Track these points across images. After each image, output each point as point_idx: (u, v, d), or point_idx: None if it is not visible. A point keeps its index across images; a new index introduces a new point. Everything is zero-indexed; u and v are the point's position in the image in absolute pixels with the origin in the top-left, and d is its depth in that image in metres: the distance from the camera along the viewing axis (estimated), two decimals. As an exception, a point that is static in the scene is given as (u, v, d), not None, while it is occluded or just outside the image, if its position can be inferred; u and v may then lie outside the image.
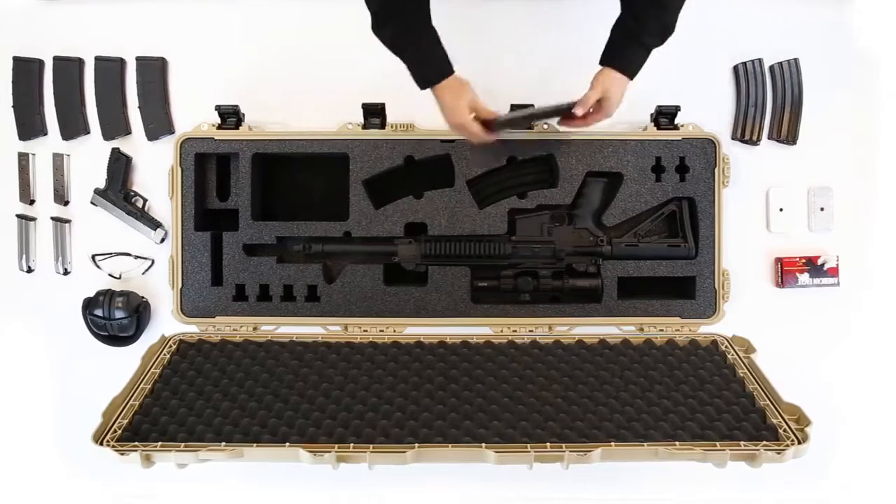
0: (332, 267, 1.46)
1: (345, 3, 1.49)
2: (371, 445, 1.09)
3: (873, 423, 1.47)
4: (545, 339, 1.39)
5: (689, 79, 1.50)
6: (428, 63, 1.20)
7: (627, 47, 1.24)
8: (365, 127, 1.44)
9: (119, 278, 1.50)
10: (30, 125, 1.50)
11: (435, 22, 1.19)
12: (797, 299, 1.49)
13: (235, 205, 1.46)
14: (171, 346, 1.36)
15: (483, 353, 1.34)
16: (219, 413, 1.19)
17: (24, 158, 1.50)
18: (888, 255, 1.50)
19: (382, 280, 1.43)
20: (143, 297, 1.47)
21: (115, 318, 1.42)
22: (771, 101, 1.50)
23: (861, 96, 1.51)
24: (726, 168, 1.43)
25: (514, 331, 1.42)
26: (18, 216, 1.50)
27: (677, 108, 1.44)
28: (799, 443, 1.09)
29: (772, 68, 1.50)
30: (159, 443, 1.11)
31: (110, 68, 1.50)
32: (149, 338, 1.44)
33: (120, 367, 1.28)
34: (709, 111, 1.49)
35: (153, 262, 1.50)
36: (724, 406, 1.19)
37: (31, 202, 1.51)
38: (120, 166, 1.48)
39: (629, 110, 1.46)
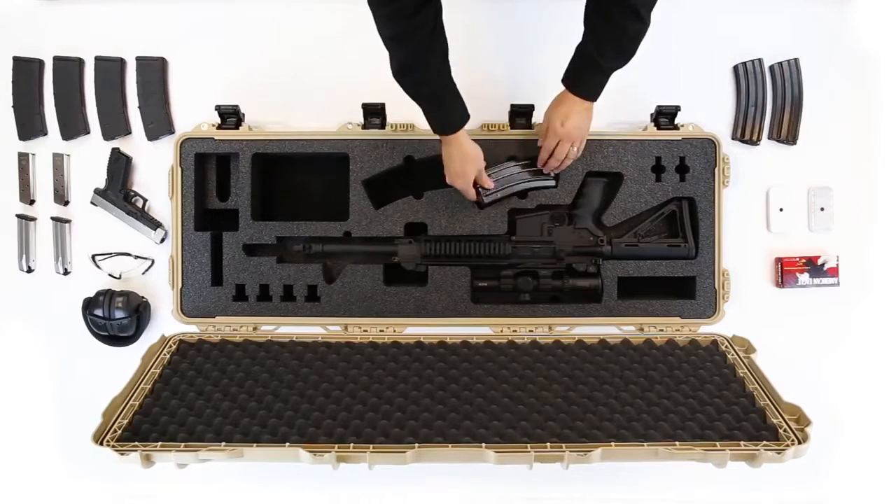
0: (332, 267, 1.46)
1: (345, 3, 1.50)
2: (371, 445, 1.09)
3: (873, 423, 1.47)
4: (545, 339, 1.39)
5: (689, 79, 1.50)
6: (448, 112, 1.23)
7: (586, 71, 1.25)
8: (365, 127, 1.44)
9: (119, 278, 1.50)
10: (30, 125, 1.50)
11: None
12: (797, 299, 1.49)
13: (235, 205, 1.46)
14: (171, 346, 1.36)
15: (483, 353, 1.34)
16: (219, 413, 1.19)
17: (24, 158, 1.50)
18: (888, 255, 1.50)
19: (382, 280, 1.43)
20: (143, 297, 1.47)
21: (115, 318, 1.42)
22: (771, 101, 1.50)
23: (861, 96, 1.51)
24: (726, 168, 1.43)
25: (514, 331, 1.42)
26: (18, 216, 1.50)
27: (677, 108, 1.44)
28: (799, 443, 1.09)
29: (772, 68, 1.50)
30: (159, 443, 1.11)
31: (110, 68, 1.50)
32: (149, 338, 1.45)
33: (120, 367, 1.28)
34: (709, 111, 1.49)
35: (153, 262, 1.50)
36: (724, 406, 1.19)
37: (31, 202, 1.51)
38: (120, 166, 1.48)
39: (629, 110, 1.48)
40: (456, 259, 1.43)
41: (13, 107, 1.50)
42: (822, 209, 1.50)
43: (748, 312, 1.45)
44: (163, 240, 1.49)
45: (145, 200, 1.50)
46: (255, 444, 1.10)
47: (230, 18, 1.52)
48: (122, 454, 1.09)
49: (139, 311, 1.45)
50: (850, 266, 1.49)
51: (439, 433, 1.13)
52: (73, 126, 1.50)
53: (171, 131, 1.50)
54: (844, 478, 1.46)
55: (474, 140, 1.32)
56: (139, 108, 1.50)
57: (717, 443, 1.10)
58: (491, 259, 1.43)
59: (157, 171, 1.48)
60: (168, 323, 1.46)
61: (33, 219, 1.51)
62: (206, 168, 1.48)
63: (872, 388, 1.47)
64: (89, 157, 1.50)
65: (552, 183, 1.43)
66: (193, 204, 1.43)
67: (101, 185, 1.49)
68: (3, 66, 1.49)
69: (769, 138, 1.50)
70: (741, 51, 1.50)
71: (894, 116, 1.51)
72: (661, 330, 1.42)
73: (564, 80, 1.28)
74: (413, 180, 1.44)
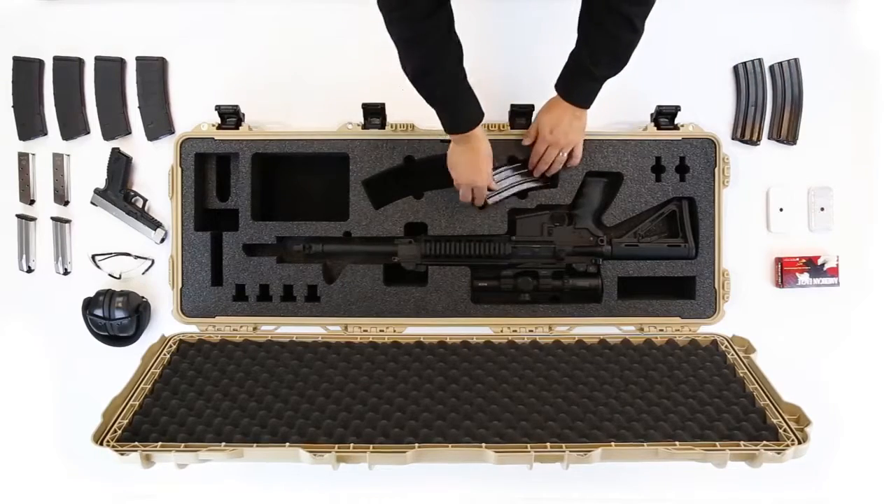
0: (332, 267, 1.46)
1: (345, 3, 1.50)
2: (371, 445, 1.09)
3: (873, 423, 1.47)
4: (545, 339, 1.39)
5: (689, 79, 1.50)
6: (464, 110, 1.23)
7: (579, 79, 1.25)
8: (365, 127, 1.44)
9: (119, 278, 1.50)
10: (30, 125, 1.50)
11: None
12: (797, 299, 1.49)
13: (235, 205, 1.46)
14: (171, 346, 1.36)
15: (483, 353, 1.34)
16: (219, 413, 1.19)
17: (24, 158, 1.50)
18: (888, 255, 1.50)
19: (382, 280, 1.43)
20: (143, 297, 1.47)
21: (115, 318, 1.42)
22: (771, 101, 1.50)
23: (861, 96, 1.51)
24: (726, 168, 1.43)
25: (514, 331, 1.42)
26: (18, 216, 1.50)
27: (677, 108, 1.44)
28: (799, 443, 1.09)
29: (772, 68, 1.50)
30: (159, 443, 1.11)
31: (110, 68, 1.50)
32: (149, 338, 1.45)
33: (120, 367, 1.28)
34: (709, 111, 1.48)
35: (153, 262, 1.50)
36: (724, 406, 1.19)
37: (31, 202, 1.51)
38: (120, 166, 1.48)
39: (629, 110, 1.48)
40: (456, 259, 1.43)
41: (13, 107, 1.50)
42: (822, 209, 1.50)
43: (748, 312, 1.45)
44: (163, 240, 1.49)
45: (145, 200, 1.50)
46: (255, 444, 1.10)
47: (230, 18, 1.52)
48: (122, 454, 1.09)
49: (139, 311, 1.45)
50: (850, 266, 1.49)
51: (439, 433, 1.13)
52: (73, 126, 1.50)
53: (171, 131, 1.50)
54: (844, 478, 1.46)
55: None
56: (139, 108, 1.50)
57: (717, 443, 1.10)
58: (491, 259, 1.43)
59: (157, 171, 1.47)
60: (168, 323, 1.46)
61: (33, 219, 1.51)
62: (206, 168, 1.48)
63: (872, 388, 1.47)
64: (89, 157, 1.50)
65: (548, 184, 1.43)
66: (193, 204, 1.43)
67: (101, 185, 1.49)
68: (3, 66, 1.49)
69: (769, 138, 1.50)
70: (741, 51, 1.50)
71: (894, 116, 1.50)
72: (661, 330, 1.42)
73: (557, 87, 1.29)
74: (413, 180, 1.44)
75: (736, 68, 1.51)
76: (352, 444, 1.10)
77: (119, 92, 1.50)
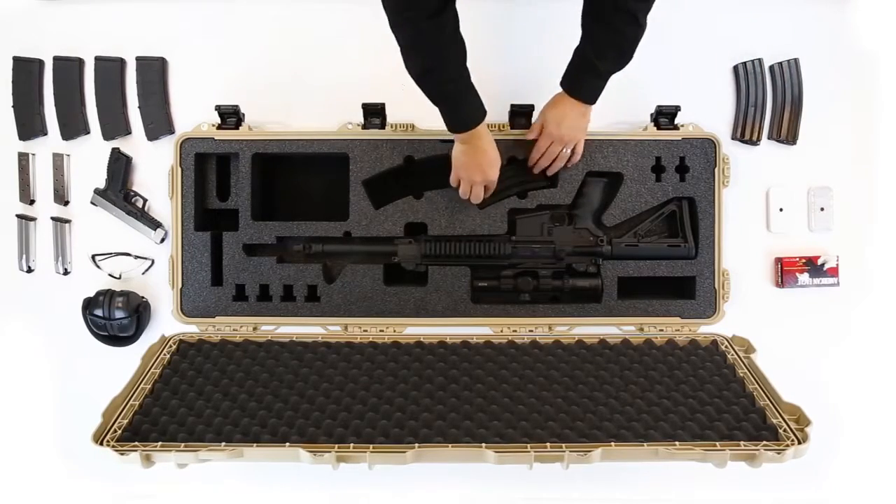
0: (332, 267, 1.46)
1: (345, 3, 1.50)
2: (371, 445, 1.09)
3: (873, 423, 1.47)
4: (545, 339, 1.39)
5: (689, 79, 1.50)
6: (469, 108, 1.23)
7: (584, 75, 1.26)
8: (365, 127, 1.44)
9: (119, 278, 1.50)
10: (30, 125, 1.50)
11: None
12: (797, 299, 1.49)
13: (235, 205, 1.46)
14: (171, 346, 1.36)
15: (483, 353, 1.34)
16: (219, 413, 1.19)
17: (24, 158, 1.50)
18: (888, 255, 1.50)
19: (382, 280, 1.43)
20: (143, 297, 1.47)
21: (115, 318, 1.42)
22: (771, 101, 1.50)
23: (861, 96, 1.51)
24: (726, 168, 1.43)
25: (514, 331, 1.42)
26: (18, 216, 1.50)
27: (677, 108, 1.44)
28: (799, 443, 1.09)
29: (772, 68, 1.50)
30: (159, 443, 1.11)
31: (110, 68, 1.50)
32: (149, 338, 1.45)
33: (120, 367, 1.28)
34: (709, 111, 1.48)
35: (153, 262, 1.50)
36: (724, 406, 1.19)
37: (31, 202, 1.51)
38: (120, 166, 1.48)
39: (629, 110, 1.48)
40: (456, 259, 1.43)
41: (13, 107, 1.50)
42: (822, 209, 1.50)
43: (748, 312, 1.45)
44: (163, 240, 1.49)
45: (145, 200, 1.50)
46: (255, 444, 1.10)
47: (230, 18, 1.52)
48: (122, 454, 1.09)
49: (139, 311, 1.45)
50: (850, 266, 1.49)
51: (439, 433, 1.13)
52: (73, 126, 1.50)
53: (171, 131, 1.50)
54: (844, 478, 1.46)
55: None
56: (139, 108, 1.50)
57: (717, 443, 1.10)
58: (491, 259, 1.43)
59: (157, 171, 1.47)
60: (168, 323, 1.46)
61: (33, 219, 1.51)
62: (206, 168, 1.48)
63: (872, 388, 1.47)
64: (89, 157, 1.50)
65: (546, 184, 1.43)
66: (193, 204, 1.43)
67: (101, 185, 1.49)
68: (3, 66, 1.49)
69: (769, 138, 1.50)
70: (741, 51, 1.50)
71: (894, 116, 1.50)
72: (661, 330, 1.42)
73: (563, 84, 1.29)
74: (413, 180, 1.44)
75: (736, 68, 1.51)
76: (352, 444, 1.10)
77: (119, 92, 1.50)
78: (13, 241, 1.50)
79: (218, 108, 1.43)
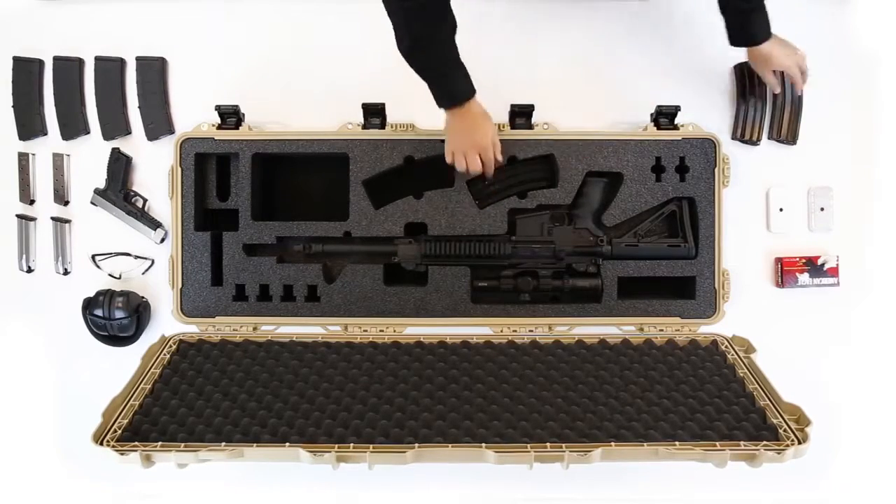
0: (332, 267, 1.46)
1: (345, 2, 1.50)
2: (371, 445, 1.09)
3: (873, 423, 1.47)
4: (545, 339, 1.39)
5: (689, 79, 1.50)
6: (458, 82, 1.24)
7: (751, 22, 1.32)
8: (365, 127, 1.44)
9: (119, 278, 1.50)
10: (30, 125, 1.50)
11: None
12: (797, 299, 1.49)
13: (235, 205, 1.46)
14: (171, 346, 1.36)
15: (483, 353, 1.34)
16: (219, 413, 1.19)
17: (24, 158, 1.50)
18: (888, 255, 1.50)
19: (382, 280, 1.43)
20: (143, 297, 1.47)
21: (115, 318, 1.42)
22: (771, 101, 1.50)
23: (861, 96, 1.51)
24: (726, 168, 1.43)
25: (514, 331, 1.42)
26: (18, 216, 1.50)
27: (677, 108, 1.44)
28: (799, 443, 1.09)
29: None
30: (159, 443, 1.11)
31: (110, 68, 1.50)
32: (149, 338, 1.45)
33: (120, 367, 1.28)
34: (709, 111, 1.49)
35: (153, 262, 1.50)
36: (724, 406, 1.19)
37: (31, 202, 1.51)
38: (120, 166, 1.48)
39: (629, 110, 1.48)
40: (456, 259, 1.43)
41: (13, 107, 1.50)
42: (822, 209, 1.50)
43: (748, 312, 1.45)
44: (163, 240, 1.49)
45: (145, 200, 1.50)
46: (255, 444, 1.10)
47: (230, 18, 1.52)
48: (122, 454, 1.09)
49: (139, 311, 1.45)
50: (850, 266, 1.49)
51: (439, 433, 1.13)
52: (73, 126, 1.50)
53: (171, 131, 1.50)
54: (844, 478, 1.46)
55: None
56: (139, 108, 1.50)
57: (717, 443, 1.10)
58: (491, 259, 1.43)
59: (157, 171, 1.48)
60: (168, 323, 1.46)
61: (33, 219, 1.51)
62: (206, 168, 1.48)
63: (872, 388, 1.47)
64: (89, 157, 1.50)
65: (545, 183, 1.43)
66: (193, 204, 1.43)
67: (101, 185, 1.49)
68: (3, 66, 1.49)
69: (769, 138, 1.50)
70: (741, 51, 1.50)
71: (894, 116, 1.50)
72: (661, 330, 1.42)
73: (738, 43, 1.35)
74: (413, 180, 1.44)
75: (736, 68, 1.51)
76: (352, 444, 1.10)
77: (119, 92, 1.50)
78: (13, 241, 1.50)
79: (218, 108, 1.43)
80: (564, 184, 1.43)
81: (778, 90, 1.44)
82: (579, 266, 1.44)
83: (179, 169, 1.43)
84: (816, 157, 1.50)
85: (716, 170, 1.43)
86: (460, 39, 1.20)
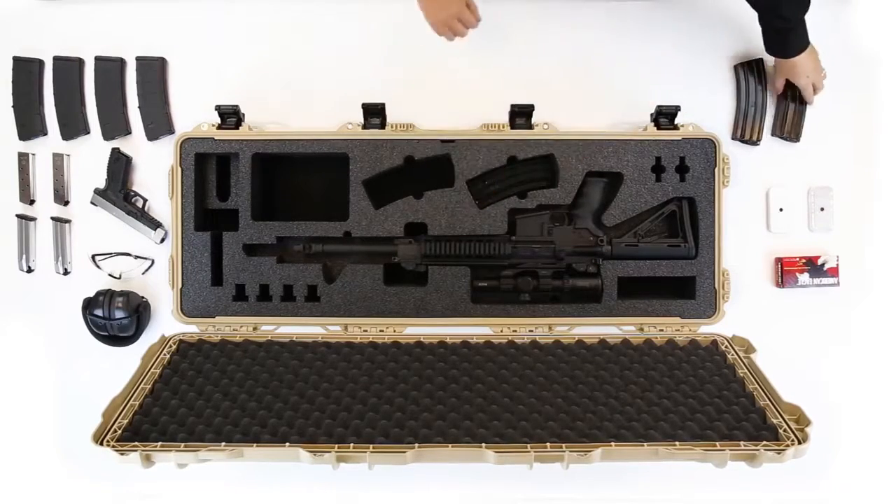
0: (332, 267, 1.46)
1: (345, 2, 1.50)
2: (371, 445, 1.09)
3: (873, 423, 1.47)
4: (545, 339, 1.39)
5: (689, 79, 1.50)
6: None
7: (787, 38, 1.36)
8: (365, 127, 1.44)
9: (119, 278, 1.50)
10: (30, 125, 1.50)
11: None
12: (797, 299, 1.49)
13: (235, 205, 1.46)
14: (171, 346, 1.36)
15: (483, 353, 1.34)
16: (219, 413, 1.18)
17: (24, 158, 1.50)
18: (888, 255, 1.50)
19: (382, 280, 1.43)
20: (143, 297, 1.47)
21: (115, 318, 1.41)
22: (774, 97, 1.49)
23: (861, 96, 1.51)
24: (726, 168, 1.43)
25: (514, 331, 1.42)
26: (18, 216, 1.50)
27: (677, 108, 1.44)
28: (799, 443, 1.09)
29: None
30: (159, 443, 1.11)
31: (110, 68, 1.50)
32: (149, 338, 1.45)
33: (120, 367, 1.28)
34: (709, 111, 1.49)
35: (153, 262, 1.50)
36: (724, 406, 1.19)
37: (31, 202, 1.51)
38: (120, 166, 1.48)
39: (629, 110, 1.48)
40: (456, 259, 1.43)
41: (13, 107, 1.50)
42: (822, 209, 1.50)
43: (748, 312, 1.45)
44: (163, 240, 1.49)
45: (145, 200, 1.50)
46: (255, 444, 1.10)
47: (230, 18, 1.52)
48: (122, 454, 1.09)
49: (139, 311, 1.45)
50: (850, 266, 1.49)
51: (439, 433, 1.13)
52: (73, 126, 1.50)
53: (171, 131, 1.50)
54: (844, 478, 1.46)
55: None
56: (139, 108, 1.50)
57: (717, 443, 1.10)
58: (491, 259, 1.43)
59: (157, 171, 1.47)
60: (168, 323, 1.46)
61: (33, 219, 1.51)
62: (206, 168, 1.48)
63: (872, 388, 1.47)
64: (89, 157, 1.50)
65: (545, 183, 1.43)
66: (193, 204, 1.43)
67: (101, 185, 1.49)
68: (3, 66, 1.49)
69: (772, 135, 1.50)
70: (741, 51, 1.50)
71: (894, 116, 1.50)
72: (661, 330, 1.42)
73: (772, 53, 1.41)
74: (413, 180, 1.44)
75: (736, 68, 1.51)
76: (352, 444, 1.10)
77: (119, 92, 1.50)
78: (13, 241, 1.50)
79: (218, 108, 1.43)
80: (564, 184, 1.43)
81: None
82: (579, 266, 1.44)
83: (179, 169, 1.43)
84: (817, 156, 1.50)
85: (716, 170, 1.43)
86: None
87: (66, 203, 1.51)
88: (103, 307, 1.41)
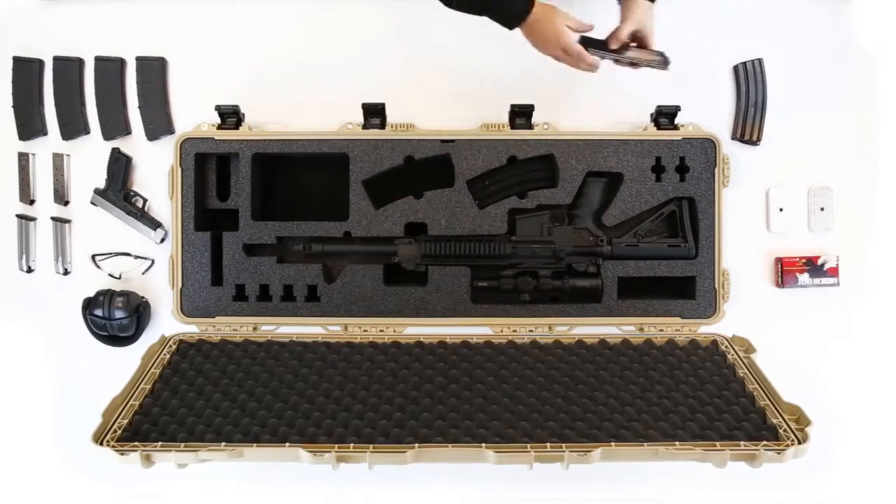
0: (332, 267, 1.46)
1: (345, 2, 1.50)
2: (371, 445, 1.09)
3: (873, 423, 1.47)
4: (545, 339, 1.39)
5: (689, 79, 1.49)
6: (511, 4, 1.23)
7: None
8: (365, 127, 1.44)
9: (119, 278, 1.50)
10: (30, 125, 1.50)
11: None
12: (797, 299, 1.49)
13: (235, 205, 1.46)
14: (171, 346, 1.36)
15: (483, 353, 1.34)
16: (219, 413, 1.19)
17: (24, 158, 1.50)
18: (888, 255, 1.50)
19: (382, 280, 1.43)
20: (143, 297, 1.47)
21: (115, 318, 1.42)
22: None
23: (861, 96, 1.51)
24: (726, 168, 1.43)
25: (514, 331, 1.42)
26: (18, 216, 1.50)
27: (677, 108, 1.44)
28: (799, 443, 1.09)
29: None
30: (159, 443, 1.11)
31: (110, 68, 1.50)
32: (149, 338, 1.45)
33: (120, 367, 1.28)
34: (709, 111, 1.48)
35: (153, 262, 1.50)
36: (724, 406, 1.19)
37: (31, 202, 1.51)
38: (120, 166, 1.49)
39: (629, 110, 1.48)
40: (456, 259, 1.43)
41: (13, 107, 1.50)
42: (822, 209, 1.50)
43: (748, 312, 1.45)
44: (163, 240, 1.49)
45: (145, 200, 1.50)
46: (255, 444, 1.10)
47: (230, 18, 1.52)
48: (122, 454, 1.09)
49: (139, 311, 1.45)
50: (850, 266, 1.49)
51: (439, 433, 1.13)
52: (73, 126, 1.50)
53: (171, 131, 1.50)
54: (844, 478, 1.46)
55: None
56: (139, 108, 1.50)
57: (717, 443, 1.10)
58: (491, 259, 1.43)
59: (157, 171, 1.47)
60: (168, 323, 1.46)
61: (33, 219, 1.51)
62: (206, 168, 1.48)
63: (872, 388, 1.47)
64: (89, 157, 1.50)
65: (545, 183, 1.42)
66: (193, 204, 1.43)
67: (101, 185, 1.49)
68: (3, 66, 1.49)
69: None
70: (741, 51, 1.50)
71: (894, 116, 1.50)
72: (661, 330, 1.42)
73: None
74: (413, 180, 1.44)
75: (736, 68, 1.51)
76: (352, 444, 1.10)
77: (119, 92, 1.50)
78: (13, 241, 1.50)
79: (218, 108, 1.43)
80: (564, 184, 1.43)
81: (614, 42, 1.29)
82: (579, 266, 1.44)
83: (179, 169, 1.43)
84: (816, 157, 1.50)
85: (716, 170, 1.43)
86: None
87: (66, 203, 1.51)
88: (103, 307, 1.41)
